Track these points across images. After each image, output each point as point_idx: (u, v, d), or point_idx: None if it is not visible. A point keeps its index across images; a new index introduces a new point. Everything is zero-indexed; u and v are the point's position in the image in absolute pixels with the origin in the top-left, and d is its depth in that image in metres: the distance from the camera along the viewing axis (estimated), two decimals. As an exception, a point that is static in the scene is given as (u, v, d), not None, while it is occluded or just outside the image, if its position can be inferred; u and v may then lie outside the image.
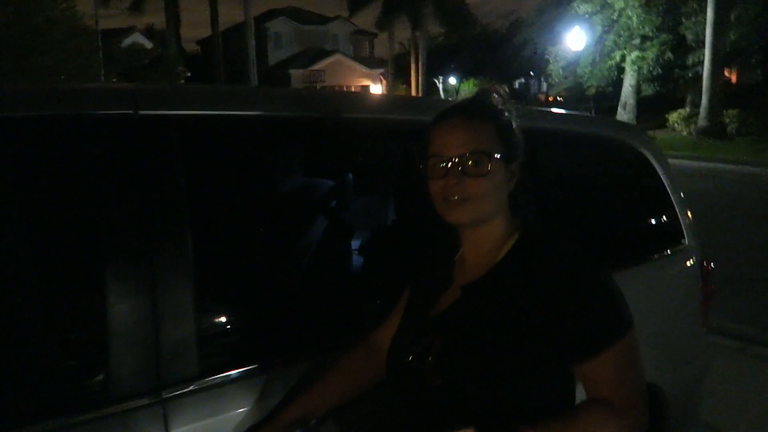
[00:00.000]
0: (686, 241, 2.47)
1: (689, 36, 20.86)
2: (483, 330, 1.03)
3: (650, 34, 21.36)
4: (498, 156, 1.06)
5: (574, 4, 22.44)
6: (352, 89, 38.91)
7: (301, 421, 1.21)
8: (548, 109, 2.56)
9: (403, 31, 35.61)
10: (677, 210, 2.46)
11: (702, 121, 19.42)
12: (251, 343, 1.27)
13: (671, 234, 2.45)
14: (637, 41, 21.76)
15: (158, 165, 1.18)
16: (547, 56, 25.61)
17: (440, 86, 44.98)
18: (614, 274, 2.09)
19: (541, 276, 1.02)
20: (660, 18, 20.91)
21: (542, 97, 42.31)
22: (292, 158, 1.53)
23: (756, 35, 19.57)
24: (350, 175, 2.42)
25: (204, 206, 1.31)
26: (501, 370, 1.00)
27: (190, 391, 1.16)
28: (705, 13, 18.64)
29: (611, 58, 22.74)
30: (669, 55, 21.45)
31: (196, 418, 1.15)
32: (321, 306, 1.41)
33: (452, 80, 45.57)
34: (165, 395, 1.13)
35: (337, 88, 37.63)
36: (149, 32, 36.37)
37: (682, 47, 21.44)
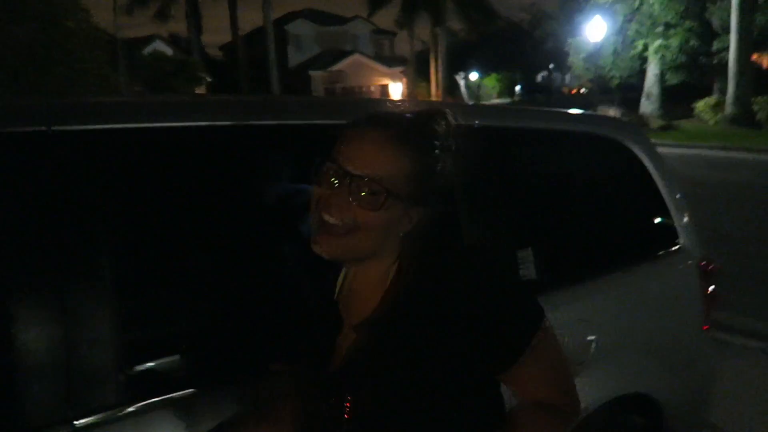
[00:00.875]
0: (681, 242, 2.34)
1: (715, 21, 20.29)
2: (390, 375, 0.90)
3: (674, 21, 20.84)
4: (399, 195, 0.90)
5: (595, -6, 22.02)
6: (372, 89, 38.88)
7: None
8: (529, 108, 2.46)
9: (423, 29, 35.42)
10: (671, 209, 2.34)
11: (730, 108, 18.85)
12: (179, 367, 1.21)
13: (664, 235, 2.33)
14: (660, 29, 21.24)
15: (72, 181, 1.13)
16: (566, 48, 25.18)
17: (461, 83, 44.66)
18: (603, 278, 2.06)
19: (434, 292, 0.90)
20: (683, 4, 20.36)
21: (566, 90, 41.67)
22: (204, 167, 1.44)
23: (785, 18, 18.92)
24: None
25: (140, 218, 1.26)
26: (423, 415, 0.90)
27: (106, 419, 1.10)
28: (730, -3, 18.09)
29: (634, 48, 22.27)
30: (694, 42, 20.91)
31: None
32: (258, 325, 1.34)
33: (474, 76, 45.18)
34: (78, 425, 1.08)
35: (356, 90, 37.68)
36: (171, 40, 36.93)
37: (708, 33, 20.84)
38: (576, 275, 1.98)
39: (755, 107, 18.27)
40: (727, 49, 19.11)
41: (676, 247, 2.32)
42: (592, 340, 1.92)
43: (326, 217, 0.91)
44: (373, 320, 0.95)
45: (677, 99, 22.62)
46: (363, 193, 0.89)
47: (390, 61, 43.34)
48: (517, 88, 44.24)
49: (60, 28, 10.39)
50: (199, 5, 32.76)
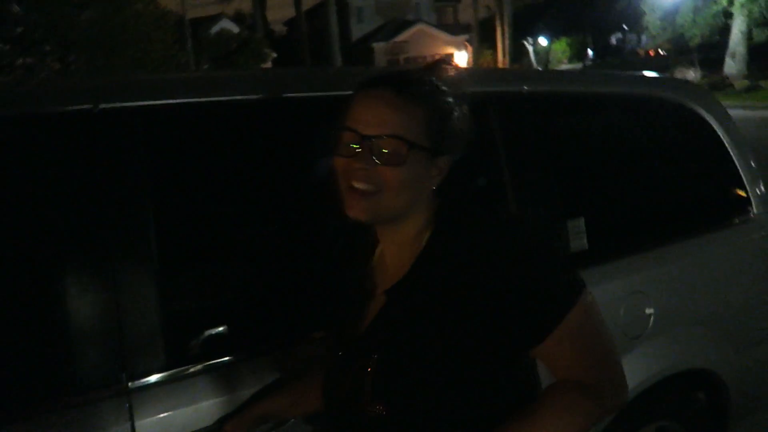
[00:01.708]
0: (755, 210, 2.19)
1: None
2: (419, 337, 0.90)
3: (762, -28, 19.17)
4: (421, 146, 0.90)
5: (673, -54, 20.56)
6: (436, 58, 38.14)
7: (273, 417, 1.20)
8: (575, 71, 2.35)
9: (487, -6, 34.33)
10: (744, 176, 2.18)
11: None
12: (222, 334, 1.25)
13: (736, 203, 2.18)
14: (747, -18, 19.61)
15: (119, 158, 1.18)
16: (642, 6, 23.74)
17: (530, 48, 43.10)
18: (664, 248, 1.96)
19: (467, 259, 0.89)
20: (774, -47, 18.69)
21: (641, 52, 39.40)
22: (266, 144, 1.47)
23: None
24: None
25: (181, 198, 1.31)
26: (449, 382, 0.89)
27: (157, 382, 1.16)
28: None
29: (716, 3, 20.68)
30: (786, -6, 19.17)
31: (163, 410, 1.15)
32: (299, 296, 1.37)
33: (542, 41, 43.54)
34: (131, 386, 1.15)
35: (420, 60, 37.17)
36: (237, 17, 37.64)
37: (802, -16, 19.07)
38: (633, 245, 1.90)
39: None
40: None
41: (749, 216, 2.17)
42: (650, 314, 1.84)
43: (355, 184, 0.91)
44: (405, 284, 0.95)
45: (765, 58, 20.94)
46: (385, 151, 0.89)
47: (454, 29, 42.40)
48: (589, 51, 42.30)
49: (129, 11, 10.83)
50: (263, -18, 33.18)
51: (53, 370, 1.14)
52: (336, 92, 1.40)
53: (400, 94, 0.91)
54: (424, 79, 0.95)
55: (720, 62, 21.96)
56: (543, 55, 43.28)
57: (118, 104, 1.21)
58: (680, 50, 24.96)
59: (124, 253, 1.17)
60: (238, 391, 1.21)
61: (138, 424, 1.13)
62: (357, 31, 41.19)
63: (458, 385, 0.89)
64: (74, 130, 1.17)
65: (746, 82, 19.42)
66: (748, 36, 21.32)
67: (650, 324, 1.84)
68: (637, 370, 1.81)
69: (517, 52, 36.89)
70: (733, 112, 2.35)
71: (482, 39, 35.37)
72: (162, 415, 1.15)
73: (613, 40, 45.67)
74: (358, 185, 0.91)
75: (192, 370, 1.20)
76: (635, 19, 27.94)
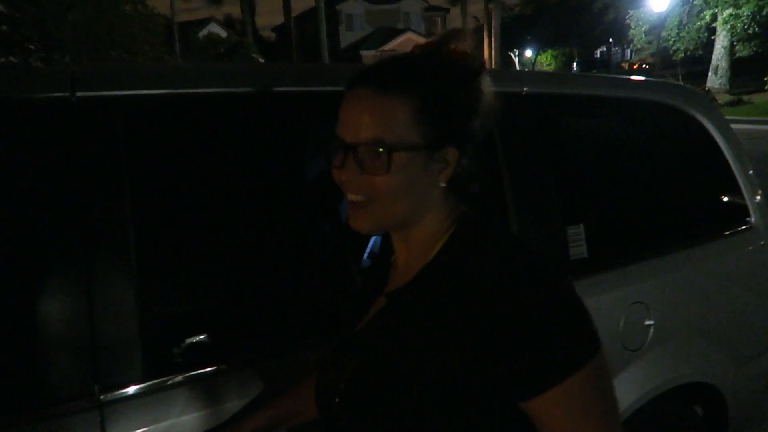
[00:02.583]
0: (754, 220, 2.15)
1: (792, -12, 18.83)
2: (404, 351, 0.80)
3: (746, -12, 19.46)
4: (409, 145, 0.79)
5: (659, -38, 20.80)
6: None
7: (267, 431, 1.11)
8: (576, 73, 2.29)
9: (476, 4, 34.59)
10: (741, 185, 2.14)
11: (807, 82, 17.58)
12: (205, 342, 1.16)
13: (733, 212, 2.14)
14: (730, -2, 19.91)
15: (96, 149, 1.09)
16: (628, 20, 24.01)
17: (516, 59, 43.51)
18: (664, 258, 1.90)
19: (477, 280, 0.77)
20: (757, -31, 19.00)
21: (626, 65, 39.90)
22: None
23: None
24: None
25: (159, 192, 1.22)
26: (420, 404, 0.78)
27: (132, 394, 1.07)
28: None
29: (700, 18, 20.96)
30: (768, 10, 19.48)
31: (139, 425, 1.06)
32: (290, 302, 1.28)
33: (529, 53, 43.92)
34: (104, 399, 1.05)
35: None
36: (226, 22, 37.53)
37: (784, 1, 19.38)
38: (634, 254, 1.84)
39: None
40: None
41: (747, 225, 2.13)
42: (650, 325, 1.78)
43: (349, 197, 0.84)
44: (406, 291, 0.86)
45: (748, 72, 21.26)
46: (367, 159, 0.80)
47: (443, 38, 42.45)
48: (574, 65, 42.79)
49: (117, 12, 10.69)
50: (252, -13, 33.13)
51: (16, 380, 1.04)
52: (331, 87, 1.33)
53: (382, 88, 0.80)
54: (418, 62, 0.83)
55: (704, 76, 22.25)
56: (529, 66, 43.66)
57: (96, 93, 1.12)
58: (665, 64, 25.27)
59: (99, 252, 1.08)
60: (223, 404, 1.12)
61: (110, 440, 1.04)
62: (346, 39, 41.22)
63: (431, 415, 0.78)
64: (49, 119, 1.08)
65: (729, 97, 19.68)
66: (731, 51, 21.65)
67: (649, 336, 1.78)
68: (636, 385, 1.75)
69: (504, 63, 37.16)
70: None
71: (470, 50, 35.40)
72: (138, 431, 1.06)
73: (598, 54, 46.22)
74: (350, 197, 0.84)
75: (171, 381, 1.11)
76: (622, 33, 28.27)
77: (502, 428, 0.80)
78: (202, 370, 1.13)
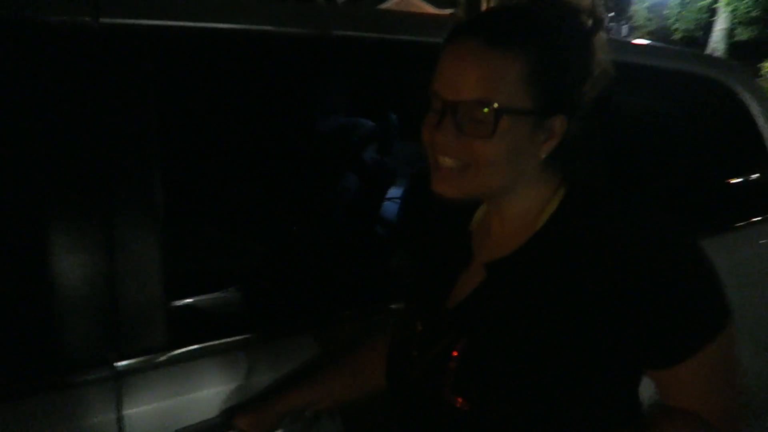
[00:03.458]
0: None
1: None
2: (520, 327, 0.74)
3: (751, -30, 19.24)
4: (520, 109, 0.71)
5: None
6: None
7: (296, 411, 1.00)
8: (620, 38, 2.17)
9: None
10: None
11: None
12: (234, 311, 1.05)
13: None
14: (735, -22, 19.68)
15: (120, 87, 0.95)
16: (631, -4, 23.68)
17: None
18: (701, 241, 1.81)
19: (602, 250, 0.70)
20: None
21: (622, 41, 39.59)
22: (309, 90, 1.26)
23: None
24: (393, 115, 2.16)
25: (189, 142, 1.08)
26: (548, 386, 0.72)
27: (152, 363, 0.96)
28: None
29: (703, -1, 20.75)
30: (772, -6, 19.32)
31: (158, 397, 0.96)
32: (332, 270, 1.17)
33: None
34: (120, 367, 0.94)
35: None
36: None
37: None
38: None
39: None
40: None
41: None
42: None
43: (440, 160, 0.75)
44: (511, 261, 0.78)
45: (744, 57, 21.17)
46: (470, 120, 0.71)
47: (440, 1, 41.75)
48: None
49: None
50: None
51: (25, 346, 0.92)
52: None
53: (493, 42, 0.70)
54: (536, 15, 0.72)
55: (700, 58, 22.11)
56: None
57: (123, 20, 0.98)
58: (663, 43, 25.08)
59: (120, 202, 0.95)
60: (251, 378, 1.02)
61: (126, 413, 0.93)
62: (341, -5, 40.22)
63: (558, 396, 0.73)
64: (69, 46, 0.93)
65: (724, 80, 19.59)
66: (730, 34, 21.51)
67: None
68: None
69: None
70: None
71: (469, 14, 34.76)
72: (156, 404, 0.96)
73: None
74: (442, 161, 0.74)
75: (195, 348, 1.00)
76: (623, 7, 27.92)
77: (622, 395, 0.79)
78: (232, 338, 1.02)
